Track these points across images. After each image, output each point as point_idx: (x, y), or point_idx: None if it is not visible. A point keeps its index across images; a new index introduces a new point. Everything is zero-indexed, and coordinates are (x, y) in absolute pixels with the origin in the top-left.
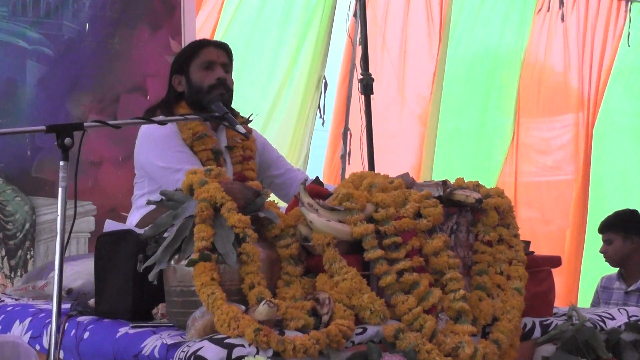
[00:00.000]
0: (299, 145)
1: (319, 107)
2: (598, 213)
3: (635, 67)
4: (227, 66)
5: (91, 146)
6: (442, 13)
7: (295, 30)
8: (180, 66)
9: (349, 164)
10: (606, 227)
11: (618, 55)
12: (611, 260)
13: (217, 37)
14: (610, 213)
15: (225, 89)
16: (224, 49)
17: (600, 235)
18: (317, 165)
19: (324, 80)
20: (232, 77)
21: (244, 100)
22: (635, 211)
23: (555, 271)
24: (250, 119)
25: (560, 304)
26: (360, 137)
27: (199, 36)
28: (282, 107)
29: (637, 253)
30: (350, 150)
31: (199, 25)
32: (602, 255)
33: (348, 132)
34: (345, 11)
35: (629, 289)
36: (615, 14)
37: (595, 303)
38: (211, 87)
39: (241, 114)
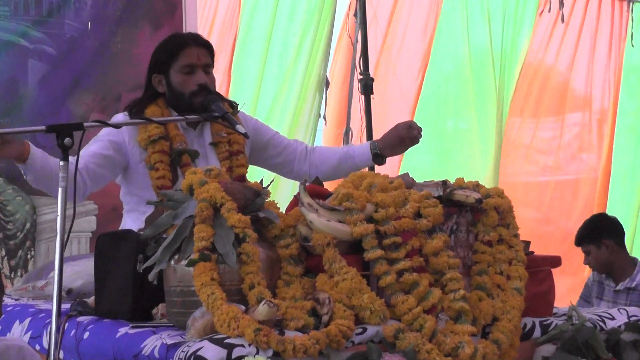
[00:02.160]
0: None
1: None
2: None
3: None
4: (209, 66)
5: None
6: (436, 12)
7: (296, 29)
8: (161, 66)
9: None
10: (579, 240)
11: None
12: (596, 269)
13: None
14: (609, 214)
15: (207, 94)
16: (205, 47)
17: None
18: None
19: (325, 80)
20: (215, 75)
21: (242, 100)
22: (600, 215)
23: (555, 271)
24: (237, 106)
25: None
26: (360, 137)
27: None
28: (283, 108)
29: (616, 255)
30: None
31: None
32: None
33: (350, 132)
34: (345, 11)
35: (617, 288)
36: (619, 14)
37: (585, 296)
38: (192, 94)
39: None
